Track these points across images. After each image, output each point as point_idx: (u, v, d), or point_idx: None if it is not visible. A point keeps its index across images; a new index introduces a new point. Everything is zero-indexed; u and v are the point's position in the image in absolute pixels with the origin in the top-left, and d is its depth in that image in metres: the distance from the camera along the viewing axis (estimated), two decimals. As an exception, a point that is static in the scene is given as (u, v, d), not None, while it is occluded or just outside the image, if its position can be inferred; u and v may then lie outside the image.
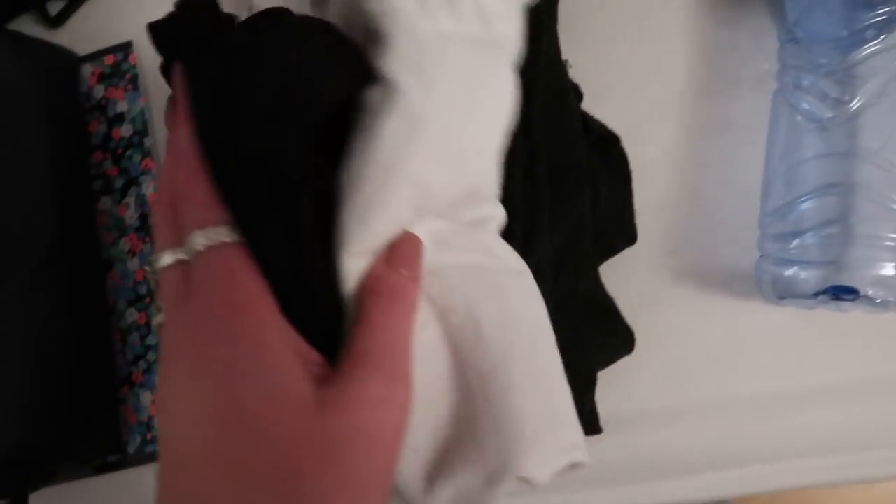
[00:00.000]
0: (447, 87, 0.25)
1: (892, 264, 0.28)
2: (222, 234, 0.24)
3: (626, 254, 0.35)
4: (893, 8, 0.30)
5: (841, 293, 0.29)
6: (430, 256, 0.26)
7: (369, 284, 0.25)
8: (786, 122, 0.33)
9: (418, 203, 0.26)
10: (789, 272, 0.31)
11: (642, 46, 0.36)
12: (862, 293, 0.28)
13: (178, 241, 0.25)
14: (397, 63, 0.24)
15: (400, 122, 0.24)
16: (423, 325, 0.26)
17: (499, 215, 0.29)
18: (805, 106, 0.32)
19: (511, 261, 0.28)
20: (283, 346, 0.24)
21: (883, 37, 0.30)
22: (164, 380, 0.25)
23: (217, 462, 0.23)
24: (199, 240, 0.24)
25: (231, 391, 0.23)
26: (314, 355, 0.25)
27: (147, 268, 0.27)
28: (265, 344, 0.23)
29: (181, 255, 0.25)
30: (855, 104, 0.31)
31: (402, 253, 0.26)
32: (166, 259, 0.25)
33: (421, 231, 0.26)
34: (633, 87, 0.36)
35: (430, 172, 0.25)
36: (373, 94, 0.24)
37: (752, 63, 0.36)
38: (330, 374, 0.24)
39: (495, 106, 0.27)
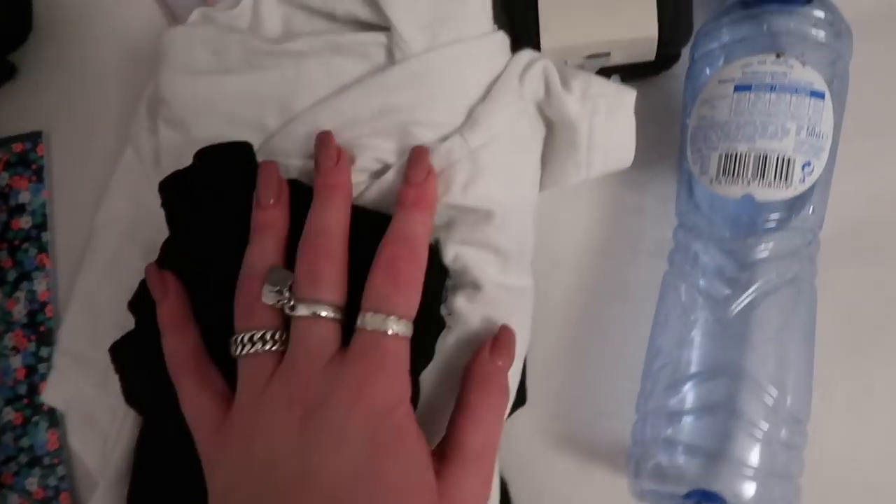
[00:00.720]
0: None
1: (754, 486, 0.27)
2: (407, 329, 0.26)
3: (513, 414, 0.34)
4: (780, 216, 0.29)
5: (705, 500, 0.28)
6: None
7: (478, 376, 0.28)
8: (676, 303, 0.32)
9: None
10: (663, 459, 0.30)
11: (545, 201, 0.35)
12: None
13: (340, 299, 0.27)
14: (484, 306, 0.30)
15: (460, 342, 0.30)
16: None
17: None
18: (702, 283, 0.32)
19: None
20: (420, 436, 0.26)
21: (768, 244, 0.30)
22: (282, 413, 0.25)
23: None
24: (391, 325, 0.26)
25: (379, 460, 0.24)
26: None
27: (277, 288, 0.26)
28: (410, 431, 0.26)
29: (339, 316, 0.26)
30: (751, 293, 0.30)
31: (502, 343, 0.28)
32: (326, 312, 0.26)
33: None
34: (535, 242, 0.35)
35: None
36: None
37: (656, 229, 0.35)
38: (441, 460, 0.26)
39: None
